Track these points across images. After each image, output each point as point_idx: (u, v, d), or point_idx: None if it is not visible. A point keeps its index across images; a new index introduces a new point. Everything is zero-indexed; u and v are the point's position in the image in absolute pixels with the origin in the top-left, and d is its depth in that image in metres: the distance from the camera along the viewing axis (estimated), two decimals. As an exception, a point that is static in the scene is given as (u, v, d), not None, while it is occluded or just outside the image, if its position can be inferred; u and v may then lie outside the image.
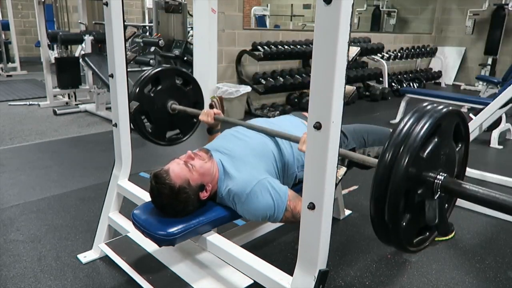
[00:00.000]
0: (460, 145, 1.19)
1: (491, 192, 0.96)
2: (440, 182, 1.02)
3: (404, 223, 1.04)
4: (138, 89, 1.94)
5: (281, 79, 5.09)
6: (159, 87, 2.00)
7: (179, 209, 1.36)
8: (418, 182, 1.01)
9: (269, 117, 2.68)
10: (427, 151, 1.01)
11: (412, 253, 1.15)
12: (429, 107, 1.05)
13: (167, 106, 2.02)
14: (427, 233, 1.16)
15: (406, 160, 0.95)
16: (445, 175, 1.03)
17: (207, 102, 4.17)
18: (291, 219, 1.39)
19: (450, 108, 1.07)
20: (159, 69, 2.06)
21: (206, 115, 1.81)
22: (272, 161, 1.49)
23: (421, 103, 1.10)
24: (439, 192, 1.03)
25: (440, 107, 1.05)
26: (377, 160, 1.02)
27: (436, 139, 1.03)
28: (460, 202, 2.47)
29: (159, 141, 2.07)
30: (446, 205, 1.21)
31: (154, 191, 1.37)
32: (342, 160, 1.72)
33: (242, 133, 1.60)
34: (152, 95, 1.98)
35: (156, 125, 2.04)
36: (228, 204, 1.44)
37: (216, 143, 1.60)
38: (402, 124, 1.00)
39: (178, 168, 1.36)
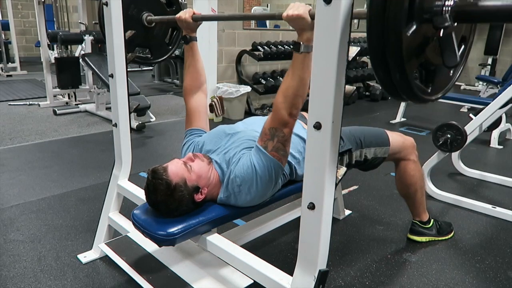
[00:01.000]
0: None
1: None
2: (449, 8, 0.83)
3: (410, 54, 0.86)
4: None
5: (281, 79, 5.07)
6: None
7: (173, 207, 1.36)
8: (422, 15, 0.84)
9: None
10: None
11: (423, 102, 0.98)
12: None
13: (142, 18, 1.81)
14: (438, 85, 0.98)
15: None
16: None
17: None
18: (279, 143, 1.32)
19: None
20: None
21: (184, 12, 1.60)
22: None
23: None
24: (450, 22, 0.84)
25: None
26: None
27: None
28: (460, 202, 2.49)
29: (166, 54, 1.95)
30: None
31: (150, 187, 1.36)
32: (341, 159, 1.72)
33: (229, 128, 1.60)
34: (128, 2, 1.74)
35: (151, 48, 1.90)
36: (230, 203, 1.44)
37: (207, 148, 1.58)
38: None
39: (176, 167, 1.36)
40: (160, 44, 1.98)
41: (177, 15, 1.61)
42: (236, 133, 1.56)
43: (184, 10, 1.62)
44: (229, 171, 1.42)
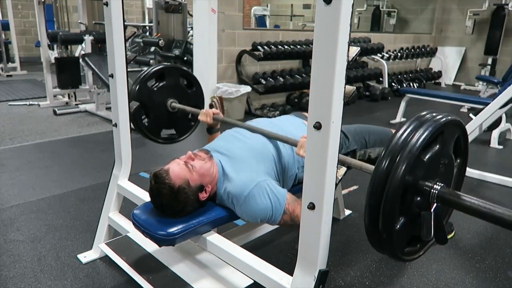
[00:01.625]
0: (458, 160, 1.17)
1: (488, 204, 0.93)
2: (436, 192, 0.99)
3: (398, 232, 1.02)
4: (141, 80, 1.93)
5: (281, 79, 5.09)
6: (163, 83, 2.00)
7: (178, 209, 1.36)
8: (414, 191, 1.00)
9: (269, 117, 2.68)
10: (425, 160, 0.99)
11: (406, 261, 1.13)
12: (428, 115, 1.03)
13: (167, 104, 2.01)
14: (422, 243, 1.14)
15: (403, 168, 0.93)
16: (442, 184, 1.00)
17: (207, 102, 4.17)
18: (289, 222, 1.38)
19: (450, 117, 1.04)
20: (165, 65, 2.06)
21: (205, 115, 1.82)
22: (272, 163, 1.49)
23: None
24: (435, 203, 1.02)
25: (440, 116, 1.03)
26: (373, 167, 1.00)
27: (435, 148, 1.01)
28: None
29: (153, 137, 2.05)
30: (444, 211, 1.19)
31: (153, 191, 1.37)
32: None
33: (242, 134, 1.60)
34: (154, 89, 1.98)
35: (153, 120, 2.01)
36: (227, 205, 1.45)
37: (216, 144, 1.59)
38: (400, 131, 0.98)
39: (178, 168, 1.36)
40: (183, 123, 2.14)
41: (200, 117, 1.84)
42: (246, 138, 1.57)
43: (205, 112, 1.81)
44: (233, 197, 1.42)
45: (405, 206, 0.99)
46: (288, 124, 1.67)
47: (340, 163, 1.34)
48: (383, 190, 0.95)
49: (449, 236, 2.12)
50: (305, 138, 1.18)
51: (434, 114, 1.04)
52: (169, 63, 2.15)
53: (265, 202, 1.35)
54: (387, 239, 1.00)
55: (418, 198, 1.01)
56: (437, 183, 1.00)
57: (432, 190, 1.00)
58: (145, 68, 2.03)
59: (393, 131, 1.85)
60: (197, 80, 2.18)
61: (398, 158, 0.94)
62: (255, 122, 1.68)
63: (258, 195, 1.35)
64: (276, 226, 1.88)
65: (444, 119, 1.02)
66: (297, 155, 1.35)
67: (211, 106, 4.34)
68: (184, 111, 2.05)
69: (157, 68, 2.00)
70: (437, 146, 1.02)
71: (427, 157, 0.99)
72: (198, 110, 1.91)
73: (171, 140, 2.14)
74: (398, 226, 1.00)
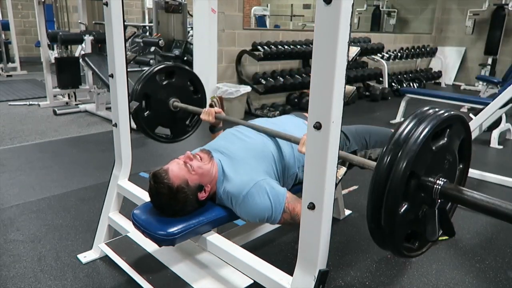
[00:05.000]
0: (461, 159, 1.17)
1: (492, 199, 0.92)
2: (439, 187, 0.98)
3: (401, 228, 1.01)
4: (152, 72, 1.93)
5: (281, 79, 5.09)
6: (171, 81, 2.00)
7: (178, 209, 1.36)
8: (416, 188, 0.99)
9: (269, 117, 2.68)
10: (429, 154, 0.98)
11: (409, 258, 1.13)
12: (431, 110, 1.01)
13: (170, 102, 2.00)
14: (425, 239, 1.13)
15: (405, 165, 0.92)
16: (445, 180, 0.99)
17: (207, 102, 4.17)
18: (289, 221, 1.38)
19: (453, 112, 1.03)
20: (176, 65, 2.07)
21: (207, 114, 1.82)
22: (272, 162, 1.49)
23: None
24: (438, 199, 1.01)
25: (442, 111, 1.02)
26: (375, 164, 0.99)
27: (437, 143, 1.00)
28: (460, 202, 2.49)
29: (148, 131, 2.03)
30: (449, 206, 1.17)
31: (152, 191, 1.37)
32: (342, 160, 1.72)
33: (243, 133, 1.60)
34: (162, 84, 1.98)
35: (152, 114, 1.99)
36: (227, 205, 1.45)
37: (216, 143, 1.60)
38: (401, 128, 0.97)
39: (177, 168, 1.36)
40: (181, 126, 2.13)
41: (202, 116, 1.84)
42: (247, 138, 1.57)
43: (207, 111, 1.82)
44: (232, 197, 1.41)
45: (408, 201, 0.98)
46: (288, 124, 1.67)
47: (342, 160, 1.34)
48: (385, 187, 0.94)
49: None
50: None
51: (437, 109, 1.02)
52: (181, 65, 2.13)
53: (264, 201, 1.35)
54: (390, 235, 0.99)
55: (422, 194, 1.00)
56: (440, 179, 0.99)
57: (435, 186, 0.98)
58: (145, 69, 2.03)
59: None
60: (203, 88, 2.17)
61: (400, 152, 0.92)
62: (255, 122, 1.68)
63: (257, 194, 1.35)
64: (276, 226, 1.88)
65: (448, 113, 1.01)
66: (299, 152, 1.34)
67: (211, 106, 4.33)
68: (185, 112, 2.05)
69: (169, 65, 2.02)
70: (440, 141, 1.00)
71: (431, 150, 0.98)
72: (200, 109, 1.91)
73: (164, 139, 2.11)
74: (401, 222, 0.99)
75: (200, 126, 2.16)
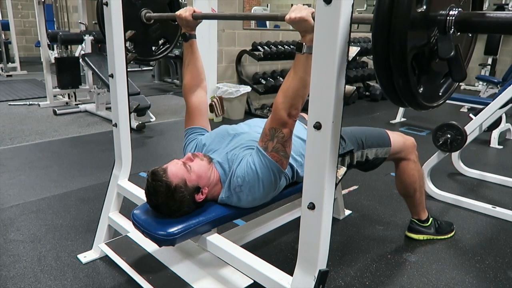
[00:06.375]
0: None
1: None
2: (453, 18, 0.85)
3: (415, 73, 0.88)
4: None
5: (281, 79, 5.09)
6: None
7: (174, 208, 1.36)
8: (425, 25, 0.86)
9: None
10: None
11: (428, 108, 1.01)
12: None
13: (141, 14, 1.79)
14: (443, 80, 0.99)
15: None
16: (459, 9, 0.85)
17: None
18: (278, 146, 1.32)
19: None
20: None
21: (184, 10, 1.59)
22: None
23: None
24: (452, 28, 0.87)
25: None
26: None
27: None
28: (460, 202, 2.49)
29: (148, 58, 1.90)
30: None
31: (150, 189, 1.36)
32: (342, 160, 1.72)
33: (228, 132, 1.60)
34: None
35: (136, 42, 1.84)
36: (231, 203, 1.44)
37: (212, 145, 1.58)
38: None
39: (176, 168, 1.36)
40: (146, 46, 1.93)
41: (177, 13, 1.60)
42: (239, 133, 1.56)
43: (185, 8, 1.62)
44: (231, 172, 1.42)
45: (418, 44, 0.87)
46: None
47: (342, 160, 1.33)
48: (388, 31, 0.84)
49: (448, 236, 2.12)
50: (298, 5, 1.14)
51: None
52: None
53: (247, 157, 1.39)
54: (404, 86, 0.88)
55: (432, 32, 0.87)
56: (453, 9, 0.88)
57: (448, 18, 0.86)
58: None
59: (389, 132, 1.85)
60: (180, 5, 1.94)
61: None
62: (251, 121, 1.69)
63: (244, 161, 1.40)
64: (276, 225, 1.88)
65: None
66: (286, 21, 1.19)
67: (211, 106, 4.34)
68: (156, 29, 1.86)
69: None
70: None
71: None
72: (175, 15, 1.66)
73: (166, 51, 1.98)
74: (413, 70, 0.87)
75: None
